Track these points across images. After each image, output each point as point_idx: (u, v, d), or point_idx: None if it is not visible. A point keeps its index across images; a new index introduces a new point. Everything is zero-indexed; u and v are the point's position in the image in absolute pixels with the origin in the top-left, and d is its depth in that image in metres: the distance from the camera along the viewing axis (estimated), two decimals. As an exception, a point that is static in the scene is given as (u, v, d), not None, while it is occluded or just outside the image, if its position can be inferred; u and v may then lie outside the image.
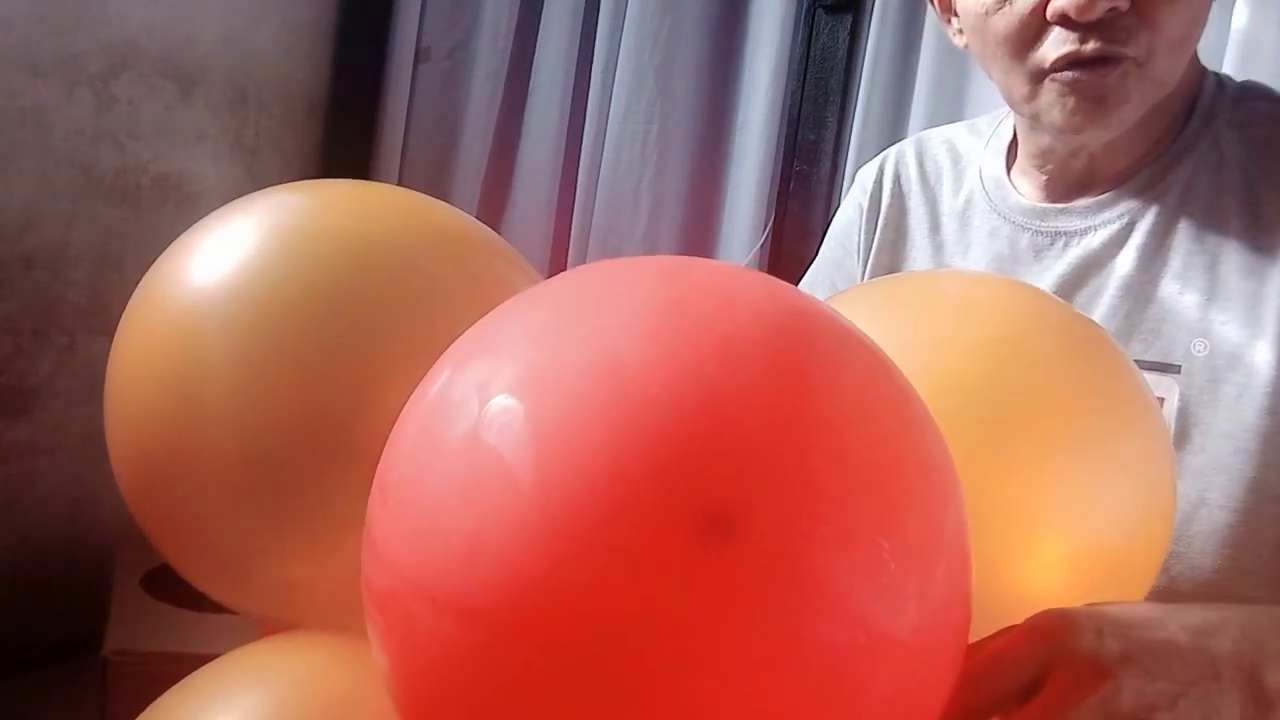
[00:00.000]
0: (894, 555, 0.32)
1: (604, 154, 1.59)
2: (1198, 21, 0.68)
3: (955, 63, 1.35)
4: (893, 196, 0.85)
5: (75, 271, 1.44)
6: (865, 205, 0.87)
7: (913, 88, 1.38)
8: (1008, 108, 0.76)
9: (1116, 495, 0.50)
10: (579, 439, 0.30)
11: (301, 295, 0.48)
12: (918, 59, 1.38)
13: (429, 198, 0.60)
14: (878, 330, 0.49)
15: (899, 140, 0.92)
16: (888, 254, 0.85)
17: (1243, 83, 0.74)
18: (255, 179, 1.62)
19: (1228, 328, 0.67)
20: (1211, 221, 0.69)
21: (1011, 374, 0.51)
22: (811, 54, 1.48)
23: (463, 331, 0.37)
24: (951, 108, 1.32)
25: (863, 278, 0.87)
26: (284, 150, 1.68)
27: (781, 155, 1.50)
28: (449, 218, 0.57)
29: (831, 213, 0.97)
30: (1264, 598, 0.69)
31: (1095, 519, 0.49)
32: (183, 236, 0.53)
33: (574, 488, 0.30)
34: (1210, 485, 0.66)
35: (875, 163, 0.89)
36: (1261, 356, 0.66)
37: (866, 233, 0.87)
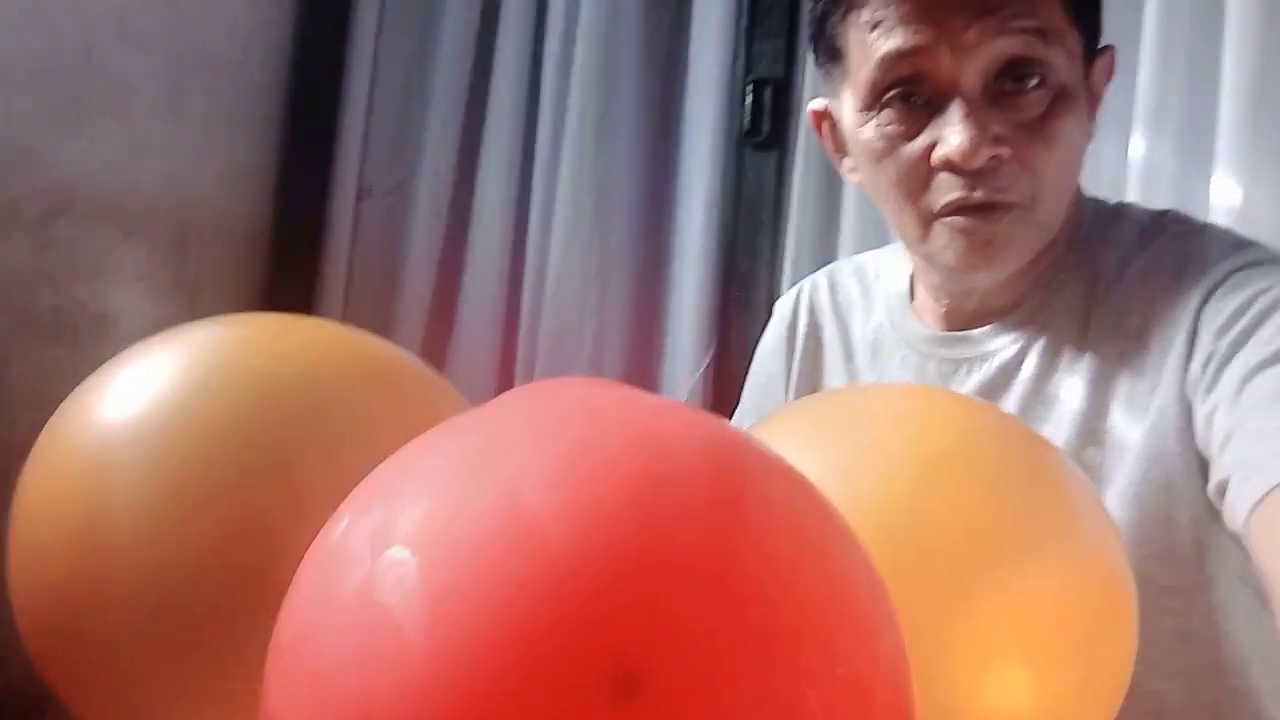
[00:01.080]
0: (821, 703, 0.30)
1: (546, 285, 1.61)
2: (1075, 166, 0.74)
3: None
4: (809, 326, 0.90)
5: (10, 411, 1.41)
6: (784, 334, 0.92)
7: (839, 215, 1.44)
8: None
9: (1070, 608, 0.49)
10: (474, 595, 0.28)
11: (215, 436, 0.46)
12: (842, 188, 1.44)
13: (355, 329, 0.58)
14: (810, 455, 0.49)
15: (830, 263, 0.96)
16: (807, 381, 0.89)
17: (1116, 206, 0.80)
18: (196, 317, 1.60)
19: (1112, 434, 0.71)
20: (1091, 336, 0.74)
21: (951, 493, 0.50)
22: (742, 188, 1.54)
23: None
24: (878, 231, 1.37)
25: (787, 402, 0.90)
26: (226, 288, 1.68)
27: (719, 283, 1.54)
28: (375, 349, 0.56)
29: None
30: (1172, 690, 0.70)
31: (1051, 635, 0.48)
32: (95, 374, 0.51)
33: (467, 650, 0.28)
34: None
35: (792, 293, 0.94)
36: (1132, 453, 0.70)
37: (786, 360, 0.91)
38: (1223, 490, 0.63)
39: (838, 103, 0.76)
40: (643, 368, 1.57)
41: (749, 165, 1.54)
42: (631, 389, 0.53)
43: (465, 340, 1.66)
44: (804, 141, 1.47)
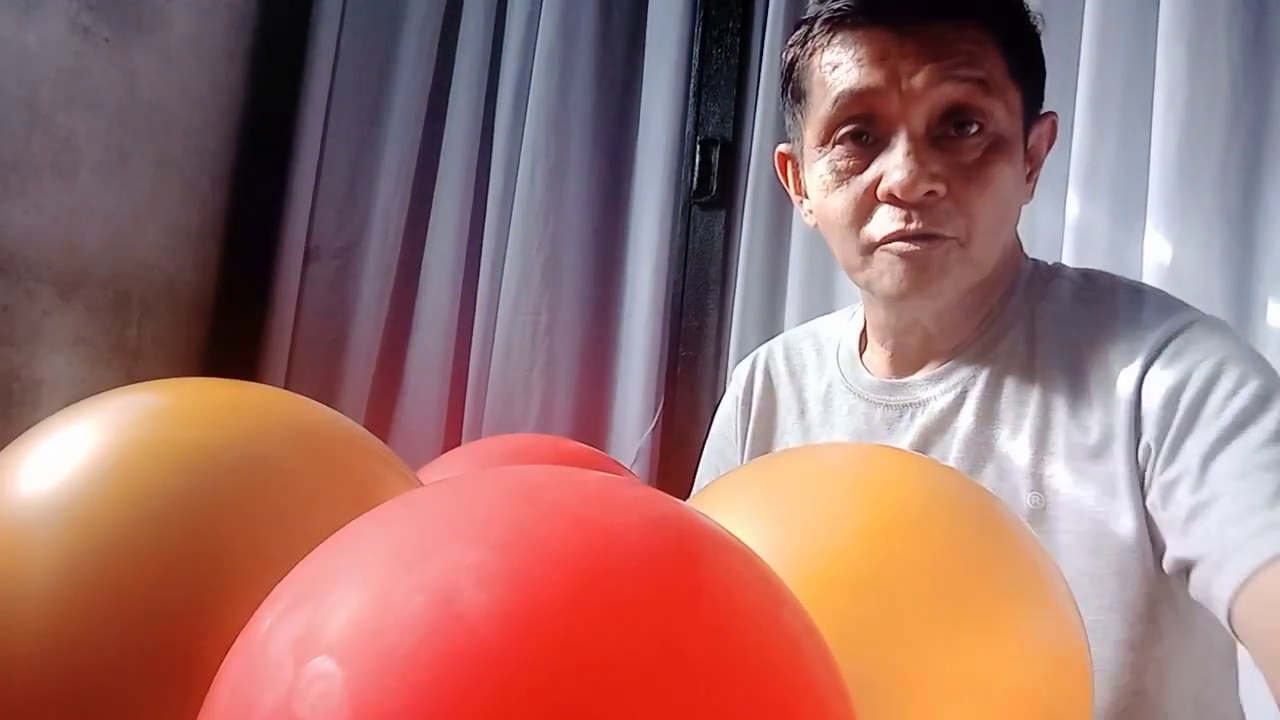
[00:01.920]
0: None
1: (494, 345, 1.60)
2: (1008, 211, 0.78)
3: (822, 250, 1.44)
4: (764, 389, 0.94)
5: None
6: (740, 398, 0.96)
7: (785, 274, 1.45)
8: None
9: (1027, 670, 0.48)
10: (404, 712, 0.26)
11: (134, 514, 0.43)
12: (788, 247, 1.45)
13: (293, 395, 0.56)
14: (760, 521, 0.48)
15: (776, 322, 0.98)
16: (761, 441, 0.93)
17: (1053, 265, 0.85)
18: (135, 381, 1.54)
19: (1055, 479, 0.74)
20: (1031, 382, 0.77)
21: (904, 558, 0.49)
22: (690, 246, 1.55)
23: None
24: (822, 290, 1.39)
25: (742, 463, 0.93)
26: (167, 352, 1.64)
27: (667, 342, 1.54)
28: (313, 417, 0.53)
29: (718, 396, 1.02)
30: None
31: (1009, 697, 0.47)
32: (10, 444, 0.48)
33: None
34: None
35: (749, 360, 0.98)
36: (1086, 502, 0.72)
37: (742, 422, 0.95)
38: (1185, 568, 0.65)
39: (800, 144, 0.82)
40: (591, 427, 1.56)
41: (697, 224, 1.55)
42: (572, 469, 0.53)
43: (412, 401, 1.64)
44: (751, 201, 1.49)
